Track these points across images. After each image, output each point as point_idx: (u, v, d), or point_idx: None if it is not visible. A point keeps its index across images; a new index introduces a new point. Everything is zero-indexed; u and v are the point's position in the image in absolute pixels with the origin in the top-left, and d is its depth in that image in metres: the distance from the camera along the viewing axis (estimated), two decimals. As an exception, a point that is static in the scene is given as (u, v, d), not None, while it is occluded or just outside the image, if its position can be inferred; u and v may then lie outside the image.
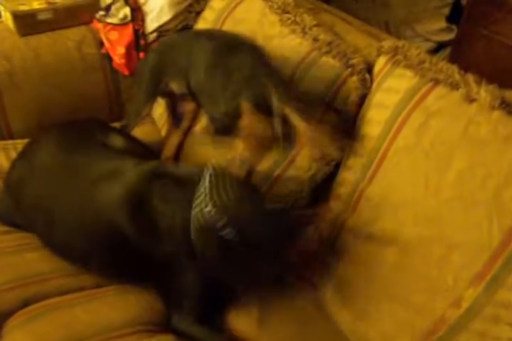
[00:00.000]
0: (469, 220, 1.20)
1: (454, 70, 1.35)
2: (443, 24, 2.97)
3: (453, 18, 2.94)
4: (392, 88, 1.44)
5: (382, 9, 3.03)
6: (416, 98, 1.36)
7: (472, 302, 1.17)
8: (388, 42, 1.51)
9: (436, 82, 1.35)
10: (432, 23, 2.99)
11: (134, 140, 1.82)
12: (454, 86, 1.32)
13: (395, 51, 1.47)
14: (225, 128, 1.50)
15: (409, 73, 1.41)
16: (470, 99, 1.28)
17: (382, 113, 1.43)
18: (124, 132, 1.86)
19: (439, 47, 2.99)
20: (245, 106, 1.45)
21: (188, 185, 1.40)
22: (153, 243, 1.43)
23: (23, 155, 1.76)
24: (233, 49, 1.60)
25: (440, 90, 1.34)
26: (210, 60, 1.61)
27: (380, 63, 1.51)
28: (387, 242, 1.35)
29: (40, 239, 1.63)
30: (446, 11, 2.97)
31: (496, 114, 1.23)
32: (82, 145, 1.68)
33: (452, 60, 2.73)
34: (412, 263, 1.29)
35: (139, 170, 1.50)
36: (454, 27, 2.92)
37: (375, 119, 1.45)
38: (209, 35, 1.76)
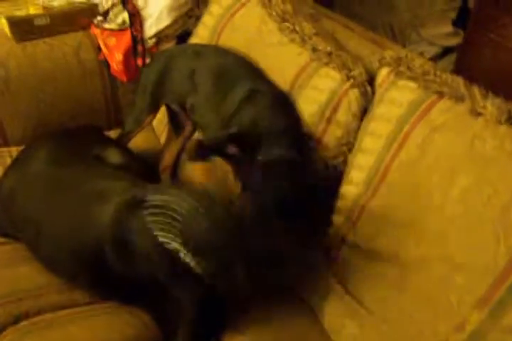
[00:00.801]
0: (474, 240, 1.15)
1: (459, 82, 1.30)
2: (449, 28, 2.93)
3: (460, 22, 2.89)
4: (395, 100, 1.39)
5: (387, 12, 2.99)
6: (419, 111, 1.32)
7: (477, 327, 1.12)
8: (390, 53, 1.46)
9: (441, 95, 1.31)
10: (438, 27, 2.94)
11: (130, 154, 1.78)
12: (459, 99, 1.27)
13: (397, 62, 1.42)
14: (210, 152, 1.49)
15: (412, 85, 1.37)
16: (475, 113, 1.23)
17: (385, 126, 1.38)
18: (120, 145, 1.82)
19: (445, 51, 2.95)
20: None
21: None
22: (133, 270, 1.39)
23: (16, 163, 1.74)
24: (231, 81, 1.58)
25: (445, 103, 1.29)
26: (211, 88, 1.61)
27: (382, 74, 1.46)
28: (388, 259, 1.31)
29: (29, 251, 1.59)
30: (453, 14, 2.92)
31: (503, 129, 1.18)
32: (76, 158, 1.65)
33: (458, 64, 2.70)
34: (414, 283, 1.25)
35: (126, 196, 1.46)
36: (460, 31, 2.87)
37: (377, 132, 1.41)
38: (211, 58, 1.71)
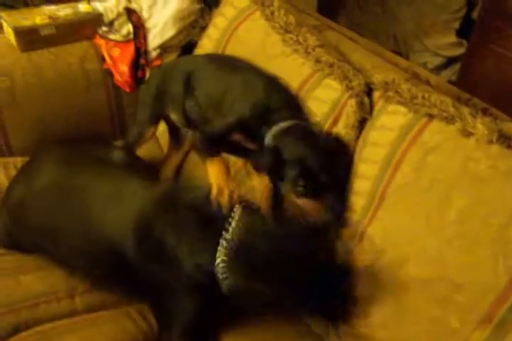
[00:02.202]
0: (473, 260, 1.16)
1: (448, 103, 1.31)
2: (453, 38, 2.93)
3: (463, 32, 2.89)
4: (386, 125, 1.40)
5: (391, 22, 2.98)
6: (411, 134, 1.33)
7: (479, 348, 1.13)
8: (378, 78, 1.47)
9: (431, 117, 1.31)
10: (442, 37, 2.94)
11: (136, 158, 1.81)
12: (450, 120, 1.28)
13: (385, 87, 1.44)
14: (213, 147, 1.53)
15: (402, 109, 1.38)
16: (467, 133, 1.24)
17: (378, 152, 1.39)
18: (126, 150, 1.83)
19: (449, 62, 2.95)
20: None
21: (201, 216, 1.41)
22: (155, 270, 1.42)
23: (22, 175, 1.75)
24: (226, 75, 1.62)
25: (436, 125, 1.30)
26: (209, 85, 1.64)
27: (375, 98, 1.48)
28: (388, 282, 1.31)
29: (47, 258, 1.62)
30: (457, 24, 2.92)
31: (495, 148, 1.19)
32: (82, 163, 1.68)
33: (461, 75, 2.69)
34: (414, 304, 1.25)
35: (149, 194, 1.49)
36: (464, 42, 2.88)
37: (371, 159, 1.41)
38: (204, 60, 1.76)
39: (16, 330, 1.46)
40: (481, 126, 1.21)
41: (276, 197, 1.53)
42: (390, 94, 1.41)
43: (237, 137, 1.52)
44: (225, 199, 1.42)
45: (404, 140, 1.33)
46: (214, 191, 1.43)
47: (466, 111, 1.27)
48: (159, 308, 1.47)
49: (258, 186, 1.61)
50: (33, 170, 1.72)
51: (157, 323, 1.49)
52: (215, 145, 1.55)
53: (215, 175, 1.47)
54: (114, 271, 1.50)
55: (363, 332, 1.34)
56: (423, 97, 1.35)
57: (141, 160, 1.87)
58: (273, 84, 1.57)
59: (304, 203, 1.41)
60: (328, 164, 1.39)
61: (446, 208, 1.22)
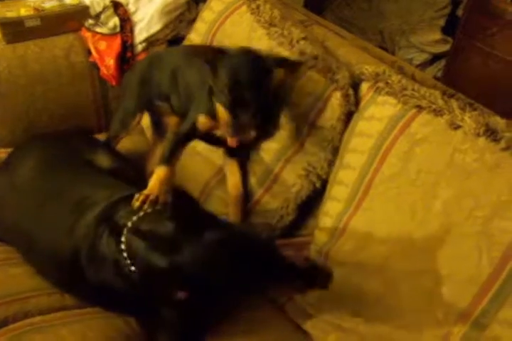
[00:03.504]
0: (457, 252, 1.18)
1: (437, 96, 1.31)
2: (438, 35, 2.94)
3: (449, 29, 2.91)
4: (374, 116, 1.41)
5: (377, 18, 2.99)
6: (399, 125, 1.33)
7: (461, 338, 1.14)
8: (369, 69, 1.47)
9: (420, 109, 1.32)
10: (427, 34, 2.95)
11: (119, 158, 1.79)
12: (438, 112, 1.29)
13: (375, 78, 1.44)
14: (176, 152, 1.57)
15: (391, 100, 1.38)
16: (454, 126, 1.25)
17: (366, 142, 1.40)
18: (111, 149, 1.83)
19: (434, 58, 2.97)
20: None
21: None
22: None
23: (4, 168, 1.73)
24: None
25: (424, 117, 1.31)
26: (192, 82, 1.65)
27: (363, 89, 1.48)
28: (372, 274, 1.32)
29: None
30: (442, 22, 2.94)
31: (482, 141, 1.20)
32: (64, 164, 1.65)
33: (447, 72, 2.71)
34: (400, 297, 1.26)
35: (100, 210, 1.46)
36: (449, 39, 2.89)
37: (358, 149, 1.42)
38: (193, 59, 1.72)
39: (6, 322, 1.44)
40: (468, 119, 1.22)
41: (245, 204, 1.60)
42: (381, 84, 1.42)
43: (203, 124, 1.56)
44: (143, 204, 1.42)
45: (393, 131, 1.34)
46: (141, 196, 1.43)
47: (454, 104, 1.28)
48: (140, 319, 1.46)
49: (231, 190, 1.65)
50: (14, 166, 1.70)
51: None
52: (183, 146, 1.59)
53: (154, 182, 1.48)
54: (79, 284, 1.47)
55: (347, 326, 1.35)
56: (413, 89, 1.35)
57: (127, 161, 1.84)
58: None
59: (225, 120, 1.44)
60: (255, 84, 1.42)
61: (432, 200, 1.23)
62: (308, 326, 1.44)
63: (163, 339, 1.40)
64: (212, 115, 1.52)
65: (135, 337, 1.44)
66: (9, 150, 1.85)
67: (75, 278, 1.46)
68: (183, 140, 1.60)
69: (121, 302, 1.43)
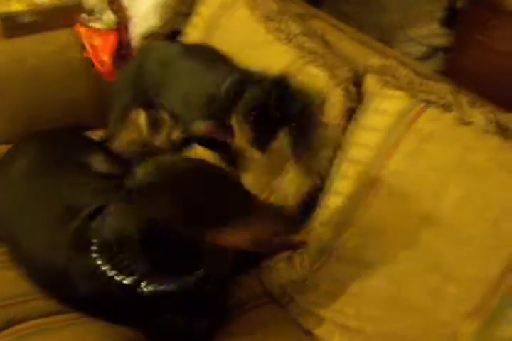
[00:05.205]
0: (466, 252, 1.16)
1: (446, 91, 1.29)
2: (437, 28, 2.91)
3: (448, 22, 2.88)
4: (380, 110, 1.38)
5: (375, 11, 2.96)
6: (407, 120, 1.31)
7: (468, 339, 1.13)
8: (375, 61, 1.45)
9: (428, 103, 1.30)
10: (426, 27, 2.91)
11: (115, 161, 1.75)
12: (447, 108, 1.27)
13: (382, 71, 1.42)
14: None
15: (399, 94, 1.36)
16: (463, 122, 1.23)
17: (372, 136, 1.37)
18: (106, 150, 1.80)
19: (433, 52, 2.94)
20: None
21: None
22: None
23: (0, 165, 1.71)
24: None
25: (432, 112, 1.29)
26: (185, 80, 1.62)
27: (368, 82, 1.45)
28: (377, 272, 1.30)
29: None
30: (440, 14, 2.91)
31: (494, 139, 1.18)
32: (59, 166, 1.62)
33: (446, 65, 2.69)
34: (405, 295, 1.25)
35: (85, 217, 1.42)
36: (448, 32, 2.86)
37: (364, 143, 1.39)
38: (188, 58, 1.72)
39: (7, 326, 1.43)
40: (479, 115, 1.20)
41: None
42: (388, 78, 1.39)
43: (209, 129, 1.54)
44: None
45: (400, 125, 1.32)
46: None
47: (464, 99, 1.26)
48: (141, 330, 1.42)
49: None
50: (8, 165, 1.68)
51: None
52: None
53: None
54: (69, 295, 1.43)
55: (352, 326, 1.33)
56: (421, 83, 1.33)
57: (123, 163, 1.78)
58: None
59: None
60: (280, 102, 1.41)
61: (440, 198, 1.21)
62: (311, 326, 1.42)
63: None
64: (216, 121, 1.51)
65: (136, 340, 1.42)
66: (9, 146, 1.82)
67: (64, 287, 1.42)
68: (180, 147, 1.58)
69: (116, 312, 1.40)
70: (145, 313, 1.34)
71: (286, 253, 1.51)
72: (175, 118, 1.74)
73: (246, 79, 1.47)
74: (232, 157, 1.61)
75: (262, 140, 1.41)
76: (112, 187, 1.51)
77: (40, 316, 1.45)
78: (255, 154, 1.44)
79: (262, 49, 1.69)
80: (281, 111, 1.40)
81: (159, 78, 1.69)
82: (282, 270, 1.50)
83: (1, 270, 1.55)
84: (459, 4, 2.80)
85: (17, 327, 1.42)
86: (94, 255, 1.31)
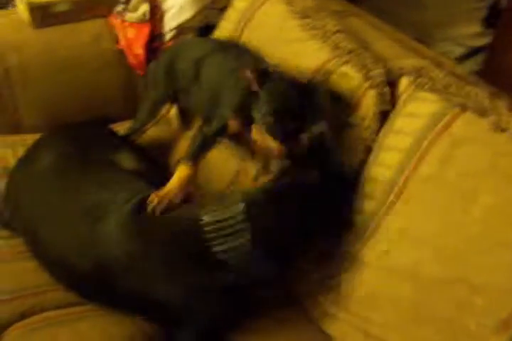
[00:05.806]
0: (494, 261, 1.11)
1: (483, 96, 1.25)
2: (478, 28, 2.84)
3: (489, 22, 2.80)
4: (414, 113, 1.34)
5: (415, 10, 2.90)
6: (441, 124, 1.26)
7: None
8: (412, 62, 1.41)
9: (464, 108, 1.25)
10: (466, 27, 2.85)
11: (142, 157, 1.74)
12: (483, 113, 1.22)
13: (418, 73, 1.37)
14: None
15: (433, 97, 1.31)
16: (500, 128, 1.18)
17: (403, 139, 1.33)
18: (133, 147, 1.79)
19: (472, 52, 2.87)
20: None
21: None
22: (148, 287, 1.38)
23: (26, 158, 1.70)
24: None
25: (467, 117, 1.24)
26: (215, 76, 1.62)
27: (403, 84, 1.41)
28: (403, 277, 1.26)
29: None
30: (482, 14, 2.83)
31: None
32: (85, 162, 1.60)
33: (486, 67, 2.62)
34: (431, 303, 1.20)
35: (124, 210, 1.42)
36: (489, 32, 2.79)
37: (395, 146, 1.35)
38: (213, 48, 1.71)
39: (23, 317, 1.43)
40: None
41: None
42: (422, 80, 1.35)
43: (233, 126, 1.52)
44: (158, 205, 1.40)
45: (433, 129, 1.27)
46: (161, 193, 1.41)
47: (501, 105, 1.21)
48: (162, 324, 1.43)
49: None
50: (35, 157, 1.67)
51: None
52: (210, 147, 1.56)
53: (174, 182, 1.45)
54: (99, 290, 1.44)
55: (375, 333, 1.30)
56: (457, 86, 1.29)
57: (150, 160, 1.79)
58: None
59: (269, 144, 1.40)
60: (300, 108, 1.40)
61: (471, 205, 1.16)
62: (330, 327, 1.41)
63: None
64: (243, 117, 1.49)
65: (154, 334, 1.41)
66: (37, 136, 1.81)
67: (94, 286, 1.43)
68: (211, 141, 1.56)
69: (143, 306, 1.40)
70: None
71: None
72: (204, 114, 1.72)
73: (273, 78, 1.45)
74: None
75: (279, 128, 1.38)
76: (141, 186, 1.52)
77: (58, 307, 1.46)
78: (272, 143, 1.40)
79: (296, 46, 1.65)
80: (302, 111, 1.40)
81: (192, 77, 1.67)
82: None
83: (20, 261, 1.55)
84: (502, 3, 2.73)
85: (32, 318, 1.43)
86: None
